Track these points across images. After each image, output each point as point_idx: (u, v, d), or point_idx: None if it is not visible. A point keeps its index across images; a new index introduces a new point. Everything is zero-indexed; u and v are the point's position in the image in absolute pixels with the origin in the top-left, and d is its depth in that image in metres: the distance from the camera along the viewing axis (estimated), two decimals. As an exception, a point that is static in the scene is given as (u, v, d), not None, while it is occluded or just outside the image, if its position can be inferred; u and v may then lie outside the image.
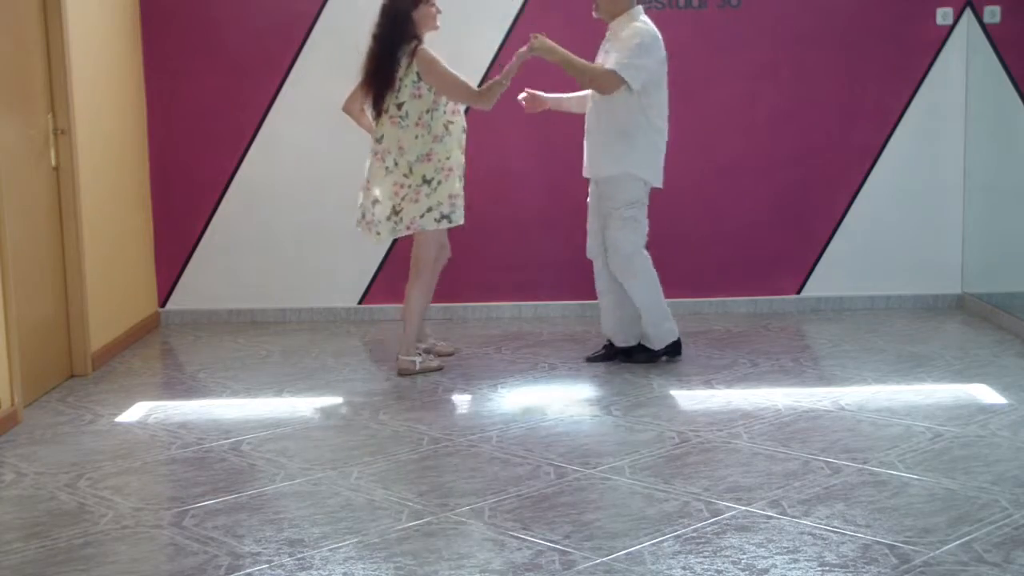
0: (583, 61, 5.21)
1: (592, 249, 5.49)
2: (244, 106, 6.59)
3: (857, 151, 6.65)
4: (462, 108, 5.38)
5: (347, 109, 5.47)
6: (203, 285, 6.72)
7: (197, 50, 6.53)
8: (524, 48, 5.21)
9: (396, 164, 5.22)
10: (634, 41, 5.11)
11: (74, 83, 5.41)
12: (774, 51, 6.57)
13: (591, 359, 5.59)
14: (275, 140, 6.61)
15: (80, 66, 5.50)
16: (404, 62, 5.17)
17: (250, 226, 6.68)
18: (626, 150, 5.23)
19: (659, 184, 5.33)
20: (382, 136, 5.25)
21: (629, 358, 5.49)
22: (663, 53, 5.21)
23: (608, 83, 5.12)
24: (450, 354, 5.75)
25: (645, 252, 5.33)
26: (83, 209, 5.51)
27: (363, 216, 5.34)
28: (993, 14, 6.45)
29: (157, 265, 6.70)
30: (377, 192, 5.26)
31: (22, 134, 5.06)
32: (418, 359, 5.44)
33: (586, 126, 5.39)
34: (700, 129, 6.60)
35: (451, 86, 5.20)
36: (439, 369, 5.46)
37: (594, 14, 5.33)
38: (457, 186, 5.31)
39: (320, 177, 6.64)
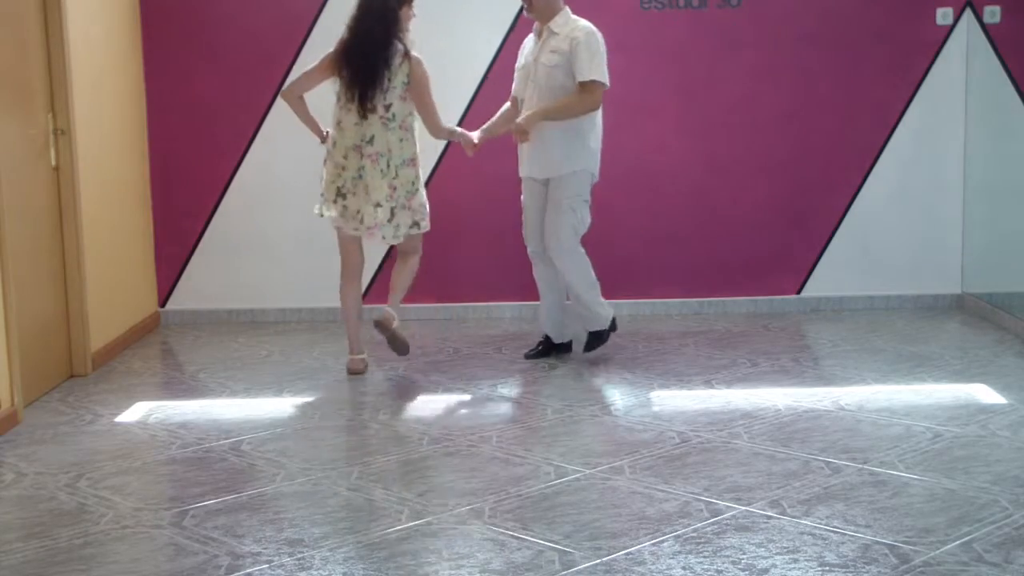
0: (557, 102, 5.22)
1: (535, 248, 5.53)
2: (244, 106, 6.59)
3: (857, 151, 6.65)
4: None
5: (287, 96, 5.33)
6: (203, 285, 6.72)
7: (197, 50, 6.53)
8: (523, 141, 5.35)
9: (388, 166, 5.21)
10: (590, 41, 5.18)
11: (74, 83, 5.41)
12: (774, 51, 6.57)
13: (529, 355, 5.69)
14: (275, 140, 6.61)
15: (80, 66, 5.50)
16: (395, 62, 5.13)
17: (250, 226, 6.68)
18: (580, 148, 5.31)
19: (597, 178, 5.46)
20: (372, 137, 5.18)
21: (569, 351, 5.73)
22: (603, 47, 5.29)
23: (596, 96, 5.22)
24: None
25: (580, 247, 5.43)
26: (83, 209, 5.51)
27: (362, 221, 5.23)
28: (993, 14, 6.45)
29: (157, 265, 6.70)
30: (377, 196, 5.20)
31: (22, 134, 5.06)
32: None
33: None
34: (700, 129, 6.61)
35: (430, 111, 5.26)
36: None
37: (526, 14, 5.35)
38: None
39: (320, 177, 6.62)
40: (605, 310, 5.54)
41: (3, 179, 4.67)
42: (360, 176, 5.21)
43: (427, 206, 5.40)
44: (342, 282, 5.48)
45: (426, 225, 5.39)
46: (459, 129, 5.55)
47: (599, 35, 5.24)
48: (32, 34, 5.18)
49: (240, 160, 6.64)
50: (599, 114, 5.36)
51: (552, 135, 5.28)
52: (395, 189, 5.22)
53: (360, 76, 5.12)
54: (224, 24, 6.52)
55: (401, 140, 5.21)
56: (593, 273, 5.47)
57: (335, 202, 5.26)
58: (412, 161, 5.26)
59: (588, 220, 5.42)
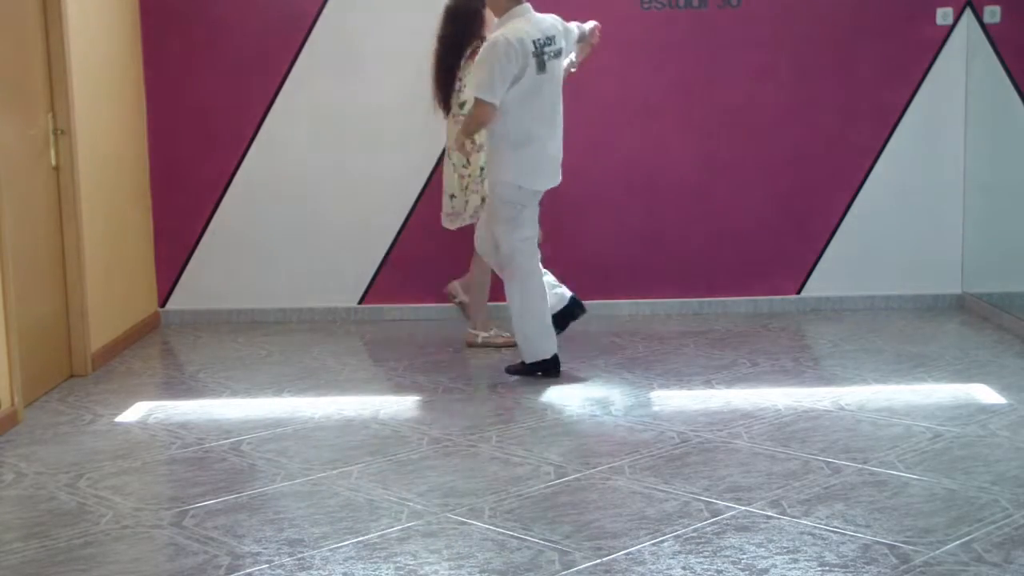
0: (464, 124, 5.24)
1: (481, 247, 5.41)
2: (244, 106, 6.58)
3: (857, 151, 6.65)
4: None
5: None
6: (203, 285, 6.72)
7: (197, 50, 6.53)
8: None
9: (457, 158, 5.60)
10: (484, 54, 4.96)
11: (74, 83, 5.41)
12: (774, 51, 6.57)
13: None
14: (275, 140, 6.61)
15: (80, 66, 5.50)
16: (464, 63, 5.51)
17: (250, 226, 6.67)
18: (499, 160, 5.07)
19: (538, 187, 5.11)
20: (447, 135, 5.64)
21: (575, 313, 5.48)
22: (506, 59, 4.87)
23: (477, 112, 4.98)
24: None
25: (528, 256, 5.16)
26: (83, 209, 5.51)
27: (455, 212, 5.76)
28: (993, 14, 6.45)
29: (157, 265, 6.70)
30: (452, 188, 5.73)
31: (22, 134, 5.06)
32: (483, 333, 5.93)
33: None
34: (700, 129, 6.60)
35: (474, 81, 5.17)
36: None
37: None
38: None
39: (320, 177, 6.63)
40: (535, 345, 5.20)
41: (3, 179, 4.67)
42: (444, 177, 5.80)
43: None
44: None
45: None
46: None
47: (503, 46, 4.87)
48: (32, 34, 5.18)
49: (240, 160, 6.63)
50: (537, 126, 5.03)
51: (486, 140, 5.23)
52: (464, 177, 5.63)
53: (437, 81, 5.63)
54: (224, 24, 6.52)
55: None
56: (538, 306, 5.16)
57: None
58: (480, 147, 5.47)
59: (518, 235, 5.11)
